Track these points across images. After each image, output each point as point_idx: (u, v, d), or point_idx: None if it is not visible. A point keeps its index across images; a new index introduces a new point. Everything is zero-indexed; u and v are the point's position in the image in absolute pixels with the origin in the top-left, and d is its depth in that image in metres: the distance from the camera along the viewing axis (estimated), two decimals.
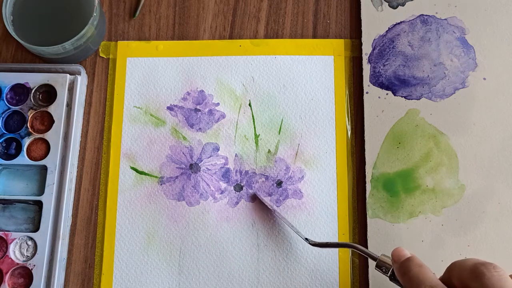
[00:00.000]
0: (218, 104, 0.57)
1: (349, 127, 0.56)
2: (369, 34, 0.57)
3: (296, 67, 0.57)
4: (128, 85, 0.57)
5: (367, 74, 0.56)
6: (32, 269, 0.51)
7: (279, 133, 0.56)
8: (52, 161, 0.53)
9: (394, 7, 0.58)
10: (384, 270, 0.45)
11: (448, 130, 0.54)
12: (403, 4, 0.58)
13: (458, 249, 0.51)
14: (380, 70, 0.56)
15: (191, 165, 0.55)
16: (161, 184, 0.55)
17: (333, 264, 0.52)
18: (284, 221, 0.52)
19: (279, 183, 0.55)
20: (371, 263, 0.51)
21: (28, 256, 0.52)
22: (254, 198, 0.54)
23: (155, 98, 0.57)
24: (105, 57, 0.58)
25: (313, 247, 0.51)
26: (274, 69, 0.57)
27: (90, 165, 0.56)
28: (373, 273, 0.51)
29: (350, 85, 0.57)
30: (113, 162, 0.55)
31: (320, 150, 0.55)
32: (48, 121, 0.55)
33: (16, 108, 0.55)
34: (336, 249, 0.52)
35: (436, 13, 0.57)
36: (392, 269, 0.45)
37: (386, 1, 0.58)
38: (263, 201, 0.53)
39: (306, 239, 0.51)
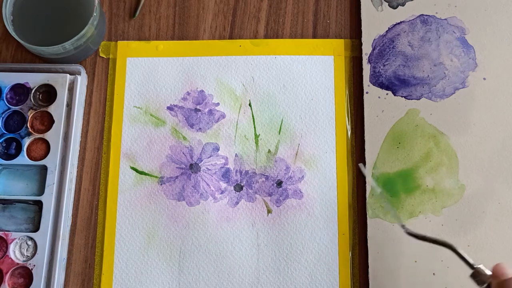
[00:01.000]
0: (218, 104, 0.57)
1: (349, 127, 0.56)
2: (369, 34, 0.57)
3: (296, 67, 0.57)
4: (128, 85, 0.57)
5: (367, 74, 0.56)
6: (32, 269, 0.51)
7: (279, 133, 0.56)
8: (52, 161, 0.53)
9: (394, 7, 0.58)
10: (478, 281, 0.43)
11: (448, 130, 0.54)
12: (403, 4, 0.58)
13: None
14: (380, 70, 0.56)
15: (191, 165, 0.55)
16: (161, 184, 0.55)
17: (333, 264, 0.52)
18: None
19: (279, 183, 0.55)
20: (372, 264, 0.51)
21: (28, 256, 0.52)
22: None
23: (155, 98, 0.57)
24: (105, 57, 0.58)
25: (312, 248, 0.51)
26: (274, 69, 0.57)
27: (90, 165, 0.56)
28: (374, 274, 0.51)
29: (350, 85, 0.57)
30: (113, 162, 0.55)
31: (320, 150, 0.55)
32: (48, 121, 0.55)
33: (16, 108, 0.55)
34: (336, 250, 0.52)
35: (436, 13, 0.57)
36: (489, 283, 0.42)
37: (386, 1, 0.58)
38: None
39: (403, 225, 0.47)
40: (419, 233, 0.47)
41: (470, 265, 0.44)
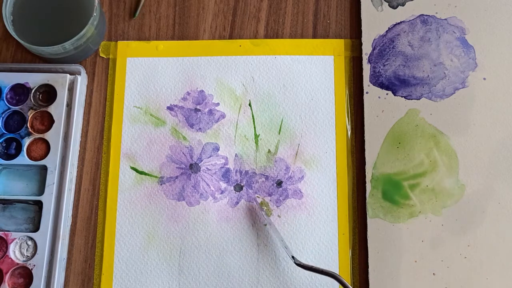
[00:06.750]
0: (218, 104, 0.57)
1: (349, 127, 0.56)
2: (369, 34, 0.57)
3: (296, 67, 0.57)
4: (128, 85, 0.57)
5: (367, 74, 0.56)
6: (32, 269, 0.51)
7: (279, 133, 0.56)
8: (52, 161, 0.53)
9: (394, 7, 0.58)
10: None
11: (448, 130, 0.54)
12: (403, 4, 0.58)
13: (458, 249, 0.51)
14: (380, 70, 0.56)
15: (191, 165, 0.55)
16: (161, 184, 0.55)
17: (333, 264, 0.52)
18: (276, 234, 0.52)
19: (279, 183, 0.55)
20: (372, 264, 0.51)
21: (28, 256, 0.52)
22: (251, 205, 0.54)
23: (155, 98, 0.57)
24: (105, 57, 0.58)
25: (312, 248, 0.51)
26: (274, 69, 0.57)
27: (90, 165, 0.56)
28: (374, 274, 0.51)
29: (350, 85, 0.57)
30: (113, 162, 0.55)
31: (320, 150, 0.55)
32: (48, 121, 0.55)
33: (16, 108, 0.55)
34: (336, 250, 0.52)
35: (436, 13, 0.57)
36: None
37: (386, 1, 0.58)
38: (257, 211, 0.53)
39: (293, 257, 0.51)
40: (307, 264, 0.50)
41: None
